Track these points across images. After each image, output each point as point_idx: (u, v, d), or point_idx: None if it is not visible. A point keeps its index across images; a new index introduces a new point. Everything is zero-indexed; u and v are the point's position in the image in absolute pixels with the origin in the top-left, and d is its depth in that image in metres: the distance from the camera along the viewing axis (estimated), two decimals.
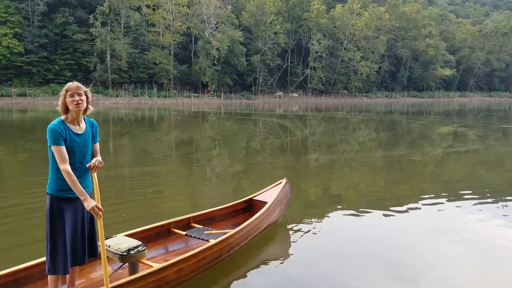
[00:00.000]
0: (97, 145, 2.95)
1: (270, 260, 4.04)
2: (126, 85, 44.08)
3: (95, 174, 2.77)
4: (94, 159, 2.79)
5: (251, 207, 4.95)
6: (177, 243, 4.07)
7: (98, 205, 2.68)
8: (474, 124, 22.59)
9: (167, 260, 3.32)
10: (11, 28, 38.46)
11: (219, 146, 12.94)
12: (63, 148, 2.65)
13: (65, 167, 2.62)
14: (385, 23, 60.73)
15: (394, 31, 63.02)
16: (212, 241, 3.61)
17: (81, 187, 2.66)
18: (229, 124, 21.76)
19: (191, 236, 3.98)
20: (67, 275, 2.91)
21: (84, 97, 2.76)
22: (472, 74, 74.26)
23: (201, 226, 4.23)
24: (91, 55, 41.66)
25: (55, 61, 40.93)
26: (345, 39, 57.05)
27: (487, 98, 73.60)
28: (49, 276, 2.79)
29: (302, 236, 4.66)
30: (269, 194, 4.87)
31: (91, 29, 40.66)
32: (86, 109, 2.82)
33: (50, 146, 2.66)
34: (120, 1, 41.98)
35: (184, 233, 4.02)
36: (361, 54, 56.53)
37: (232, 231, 3.88)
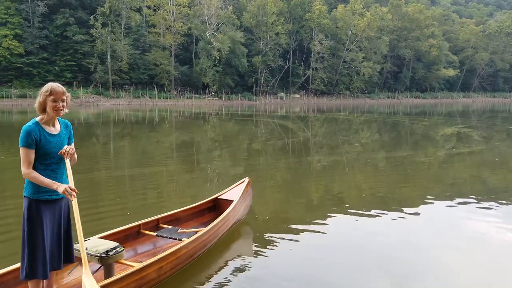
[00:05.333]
0: (72, 146, 2.92)
1: (243, 257, 4.14)
2: (126, 86, 43.92)
3: (67, 160, 2.75)
4: (66, 146, 2.76)
5: (216, 206, 5.07)
6: (147, 244, 4.11)
7: (70, 185, 2.66)
8: (478, 125, 22.32)
9: (140, 261, 3.38)
10: (11, 29, 38.35)
11: (220, 147, 12.77)
12: (32, 151, 2.65)
13: (27, 170, 2.64)
14: (387, 23, 60.40)
15: (396, 32, 62.71)
16: (187, 240, 3.68)
17: (48, 179, 2.64)
18: (230, 125, 21.55)
19: (163, 236, 4.01)
20: (45, 280, 2.85)
21: (65, 103, 2.74)
22: (476, 74, 73.86)
23: (170, 227, 4.27)
24: (91, 56, 41.51)
25: (55, 63, 40.83)
26: (347, 40, 56.78)
27: (491, 98, 73.15)
28: (29, 282, 2.75)
29: (297, 236, 4.62)
30: (234, 193, 5.01)
31: (92, 30, 40.52)
32: None
33: (20, 147, 2.66)
34: (121, 2, 41.86)
35: (154, 234, 4.06)
36: (363, 55, 56.26)
37: (205, 229, 3.96)
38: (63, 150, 2.71)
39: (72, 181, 2.75)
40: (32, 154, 2.64)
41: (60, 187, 2.62)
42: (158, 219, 4.31)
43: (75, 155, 2.86)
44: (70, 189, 2.64)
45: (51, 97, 2.64)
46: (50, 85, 2.70)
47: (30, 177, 2.63)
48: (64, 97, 2.69)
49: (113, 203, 6.01)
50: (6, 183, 7.44)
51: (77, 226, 2.74)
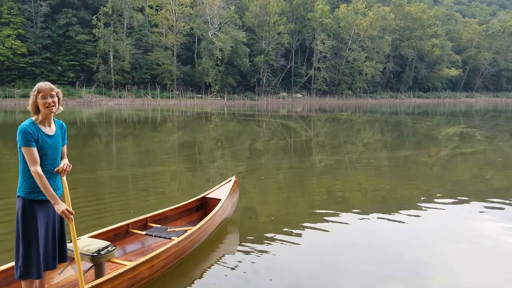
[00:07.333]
0: (65, 148, 2.94)
1: (232, 254, 4.17)
2: (129, 86, 44.01)
3: (64, 178, 2.75)
4: (63, 163, 2.77)
5: (204, 205, 5.11)
6: (136, 243, 4.13)
7: (68, 208, 2.66)
8: (481, 125, 22.24)
9: (130, 260, 3.40)
10: (14, 29, 38.46)
11: (222, 147, 12.78)
12: (34, 149, 2.62)
13: (36, 169, 2.60)
14: (390, 23, 60.28)
15: (399, 31, 62.56)
16: (177, 238, 3.73)
17: (52, 190, 2.64)
18: (232, 125, 21.55)
19: (152, 235, 4.03)
20: (37, 280, 2.85)
21: (56, 99, 2.71)
22: (479, 74, 73.58)
23: (159, 226, 4.29)
24: (94, 56, 41.62)
25: (58, 62, 40.93)
26: (349, 39, 56.70)
27: (494, 98, 72.89)
28: (22, 282, 2.75)
29: (296, 235, 4.60)
30: (221, 192, 5.06)
31: (94, 30, 40.63)
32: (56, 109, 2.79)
33: (20, 148, 2.63)
34: (123, 1, 41.93)
35: (143, 232, 4.08)
36: (366, 55, 56.16)
37: (194, 228, 4.00)
38: (60, 168, 2.72)
39: (70, 202, 2.74)
40: (35, 151, 2.60)
41: (59, 206, 2.62)
42: (146, 218, 4.33)
43: (67, 162, 2.84)
44: (68, 212, 2.64)
45: (40, 95, 2.64)
46: (37, 84, 2.71)
47: (40, 181, 2.58)
48: (53, 93, 2.66)
49: (116, 202, 6.02)
50: (10, 182, 7.45)
51: (74, 247, 2.74)
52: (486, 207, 5.92)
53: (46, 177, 2.65)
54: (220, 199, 4.81)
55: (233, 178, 5.33)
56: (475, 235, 4.78)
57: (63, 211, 2.62)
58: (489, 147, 13.01)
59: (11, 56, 37.85)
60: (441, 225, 5.17)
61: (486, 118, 28.01)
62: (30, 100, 2.68)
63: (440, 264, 3.96)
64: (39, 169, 2.60)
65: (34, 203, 2.68)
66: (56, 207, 2.63)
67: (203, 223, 4.13)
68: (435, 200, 6.28)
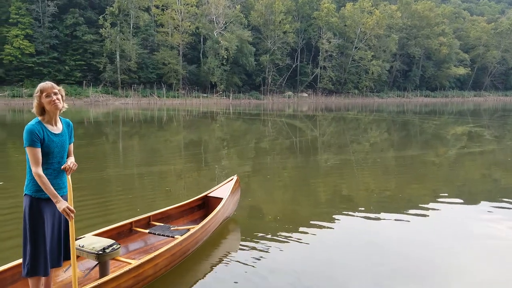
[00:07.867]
0: (72, 146, 2.97)
1: (234, 253, 4.18)
2: (135, 85, 44.23)
3: (69, 176, 2.80)
4: (69, 161, 2.81)
5: (206, 203, 5.13)
6: (139, 241, 4.17)
7: (69, 206, 2.69)
8: (490, 124, 22.01)
9: (134, 258, 3.41)
10: (22, 29, 38.83)
11: (228, 146, 12.77)
12: (38, 150, 2.66)
13: (37, 170, 2.64)
14: (396, 21, 59.86)
15: (406, 30, 62.11)
16: (181, 237, 3.74)
17: (53, 189, 2.67)
18: (238, 124, 21.55)
19: (155, 234, 4.05)
20: (44, 278, 2.86)
21: (59, 96, 2.74)
22: (487, 73, 72.81)
23: (162, 224, 4.31)
24: (100, 55, 41.89)
25: (65, 62, 41.27)
26: (355, 38, 56.42)
27: (502, 97, 72.09)
28: (29, 279, 2.77)
29: (299, 233, 4.57)
30: (223, 190, 5.09)
31: (101, 29, 40.88)
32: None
33: (25, 147, 2.67)
34: (129, 1, 42.13)
35: (147, 231, 4.10)
36: (372, 53, 55.84)
37: (197, 226, 4.01)
38: (66, 166, 2.76)
39: (72, 200, 2.78)
40: (38, 152, 2.65)
41: (60, 204, 2.65)
42: (149, 217, 4.35)
43: (73, 161, 2.87)
44: (69, 210, 2.67)
45: (44, 94, 2.68)
46: (39, 85, 2.75)
47: (40, 181, 2.63)
48: (55, 91, 2.70)
49: (122, 200, 6.04)
50: (19, 180, 7.52)
51: (71, 245, 2.76)
52: (494, 207, 5.85)
53: (53, 176, 2.72)
54: (222, 198, 4.83)
55: (235, 177, 5.35)
56: (483, 234, 4.72)
57: (64, 209, 2.66)
58: (498, 146, 12.87)
59: (19, 56, 38.21)
60: (449, 224, 5.12)
61: (494, 117, 27.72)
62: (34, 102, 2.71)
63: (448, 263, 3.92)
64: (40, 170, 2.64)
65: (41, 201, 2.72)
66: (57, 205, 2.67)
67: (206, 222, 4.15)
68: (443, 199, 6.22)
